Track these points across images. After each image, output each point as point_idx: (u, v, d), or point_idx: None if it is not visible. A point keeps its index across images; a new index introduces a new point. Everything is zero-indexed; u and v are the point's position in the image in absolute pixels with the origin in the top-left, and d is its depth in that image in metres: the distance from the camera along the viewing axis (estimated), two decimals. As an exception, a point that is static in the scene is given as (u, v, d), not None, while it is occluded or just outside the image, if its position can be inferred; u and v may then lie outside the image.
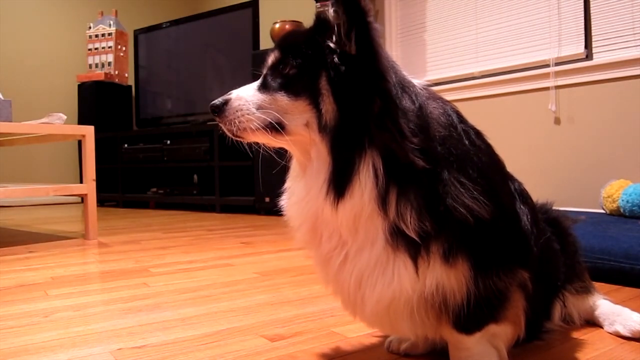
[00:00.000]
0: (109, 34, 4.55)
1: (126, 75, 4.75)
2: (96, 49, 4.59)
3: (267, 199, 3.37)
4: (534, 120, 2.72)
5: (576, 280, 1.01)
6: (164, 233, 2.57)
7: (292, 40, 0.75)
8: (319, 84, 0.69)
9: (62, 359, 0.88)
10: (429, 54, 3.29)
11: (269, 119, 0.72)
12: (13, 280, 1.52)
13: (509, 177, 0.81)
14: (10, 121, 2.35)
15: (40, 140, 2.66)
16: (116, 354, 0.90)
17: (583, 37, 2.54)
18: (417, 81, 0.78)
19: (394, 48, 3.47)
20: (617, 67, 2.38)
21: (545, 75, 2.64)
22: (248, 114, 0.73)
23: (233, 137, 0.76)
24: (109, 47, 4.55)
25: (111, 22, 4.57)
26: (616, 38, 2.41)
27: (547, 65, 2.64)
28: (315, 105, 0.69)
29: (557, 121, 2.64)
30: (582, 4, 2.53)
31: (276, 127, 0.72)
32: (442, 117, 0.72)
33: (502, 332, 0.77)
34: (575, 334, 0.97)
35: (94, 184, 2.39)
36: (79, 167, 3.98)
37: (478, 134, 0.77)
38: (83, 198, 2.42)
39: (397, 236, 0.67)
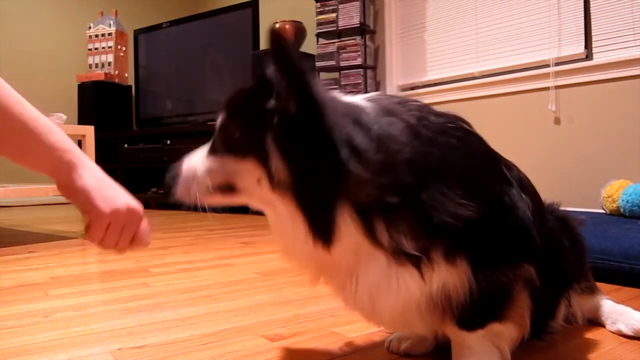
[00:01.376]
0: (109, 34, 4.55)
1: (126, 75, 4.74)
2: (96, 49, 4.59)
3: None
4: (534, 120, 2.72)
5: (582, 280, 1.01)
6: (164, 233, 2.57)
7: (236, 102, 0.75)
8: (265, 144, 0.68)
9: (62, 359, 0.88)
10: (429, 54, 3.29)
11: (219, 182, 0.74)
12: (13, 280, 1.52)
13: (500, 166, 0.78)
14: (10, 121, 2.35)
15: (40, 140, 2.66)
16: (116, 354, 0.90)
17: (583, 37, 2.54)
18: (370, 99, 0.74)
19: (394, 48, 3.47)
20: (617, 67, 2.38)
21: (545, 75, 2.64)
22: (198, 182, 0.74)
23: (193, 205, 0.76)
24: (109, 47, 4.55)
25: (111, 22, 4.56)
26: (616, 38, 2.41)
27: (547, 65, 2.64)
28: (264, 164, 0.69)
29: (557, 121, 2.64)
30: (582, 4, 2.54)
31: (229, 188, 0.74)
32: (403, 134, 0.69)
33: (505, 332, 0.76)
34: (577, 334, 0.97)
35: (94, 184, 2.39)
36: (79, 167, 3.97)
37: (449, 128, 0.73)
38: (83, 198, 2.42)
39: (397, 253, 0.68)
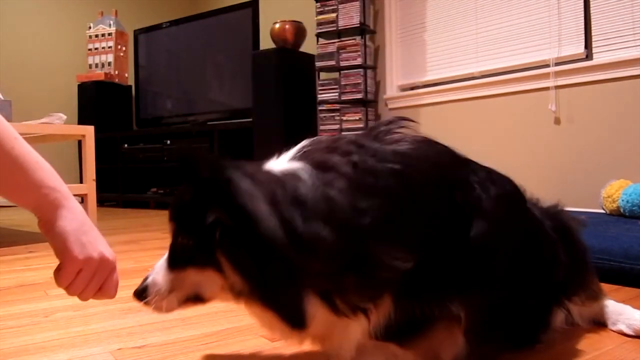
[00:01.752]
0: (109, 34, 4.55)
1: (126, 75, 4.74)
2: (96, 49, 4.59)
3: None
4: (534, 120, 2.72)
5: (582, 290, 0.99)
6: (163, 233, 2.57)
7: (182, 214, 0.74)
8: (216, 257, 0.68)
9: (62, 359, 0.88)
10: (429, 54, 3.29)
11: (184, 296, 0.74)
12: (13, 280, 1.52)
13: (457, 174, 0.78)
14: (10, 121, 2.35)
15: (40, 140, 2.66)
16: (116, 354, 0.90)
17: (583, 37, 2.54)
18: (301, 155, 0.74)
19: (394, 48, 3.47)
20: (617, 67, 2.38)
21: (545, 75, 2.64)
22: (163, 298, 0.75)
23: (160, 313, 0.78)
24: (109, 47, 4.55)
25: (111, 22, 4.56)
26: (616, 38, 2.41)
27: (547, 65, 2.64)
28: (222, 274, 0.69)
29: (557, 121, 2.64)
30: (582, 4, 2.54)
31: (197, 299, 0.74)
32: (342, 195, 0.68)
33: (402, 357, 0.75)
34: (576, 333, 0.97)
35: (94, 184, 2.39)
36: (79, 167, 3.97)
37: (388, 170, 0.72)
38: (83, 198, 2.42)
39: (353, 310, 0.70)
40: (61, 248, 0.71)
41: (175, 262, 0.74)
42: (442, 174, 0.76)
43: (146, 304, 0.76)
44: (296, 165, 0.71)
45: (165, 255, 0.77)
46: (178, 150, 0.66)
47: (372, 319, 0.72)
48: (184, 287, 0.74)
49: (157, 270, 0.77)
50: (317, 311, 0.69)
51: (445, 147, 0.78)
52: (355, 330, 0.72)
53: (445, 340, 0.75)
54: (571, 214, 1.12)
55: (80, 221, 0.74)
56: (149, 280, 0.77)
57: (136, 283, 1.47)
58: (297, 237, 0.64)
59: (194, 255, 0.71)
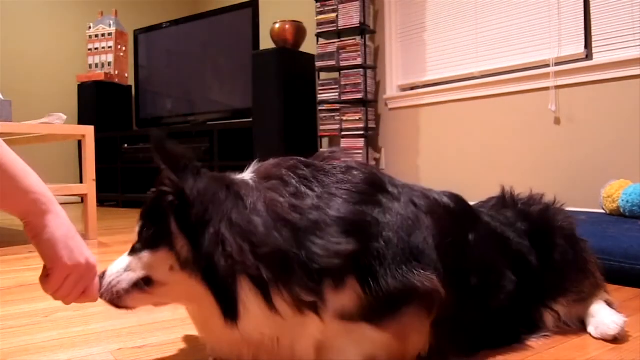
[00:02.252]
0: (109, 34, 4.55)
1: (126, 75, 4.75)
2: (96, 49, 4.59)
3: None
4: (534, 120, 2.72)
5: (569, 293, 0.99)
6: (164, 233, 2.57)
7: (147, 206, 0.81)
8: (170, 229, 0.75)
9: (62, 359, 0.88)
10: (429, 54, 3.29)
11: (137, 276, 0.78)
12: (13, 280, 1.52)
13: (376, 195, 0.82)
14: (10, 121, 2.35)
15: (40, 140, 2.66)
16: (116, 354, 0.90)
17: (583, 37, 2.54)
18: (253, 170, 0.84)
19: (394, 48, 3.47)
20: (617, 67, 2.38)
21: (545, 75, 2.64)
22: (117, 277, 0.79)
23: (116, 308, 0.81)
24: (109, 47, 4.55)
25: (111, 22, 4.56)
26: (616, 38, 2.41)
27: (547, 65, 2.64)
28: (172, 248, 0.75)
29: (557, 121, 2.64)
30: (582, 4, 2.54)
31: (146, 282, 0.78)
32: (276, 200, 0.76)
33: (377, 340, 0.77)
34: (576, 333, 0.97)
35: (94, 184, 2.39)
36: (79, 167, 3.97)
37: (321, 172, 0.81)
38: (83, 198, 2.42)
39: (298, 306, 0.72)
40: (50, 254, 0.72)
41: (135, 250, 0.80)
42: (365, 190, 0.81)
43: (101, 295, 0.80)
44: (247, 175, 0.82)
45: (116, 263, 0.82)
46: (152, 135, 0.72)
47: (337, 304, 0.73)
48: (138, 269, 0.79)
49: (115, 262, 0.82)
50: (252, 305, 0.71)
51: (371, 172, 0.85)
52: (306, 329, 0.74)
53: (415, 326, 0.78)
54: (561, 211, 1.11)
55: (67, 226, 0.76)
56: (107, 270, 0.81)
57: (136, 283, 1.47)
58: (231, 219, 0.72)
59: (152, 237, 0.78)
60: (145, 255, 0.78)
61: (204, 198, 0.74)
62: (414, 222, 0.81)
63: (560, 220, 1.06)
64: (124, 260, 0.80)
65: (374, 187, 0.82)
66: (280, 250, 0.71)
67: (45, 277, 0.73)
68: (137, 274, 0.78)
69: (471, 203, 1.09)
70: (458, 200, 0.95)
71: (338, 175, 0.81)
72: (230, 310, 0.72)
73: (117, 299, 0.79)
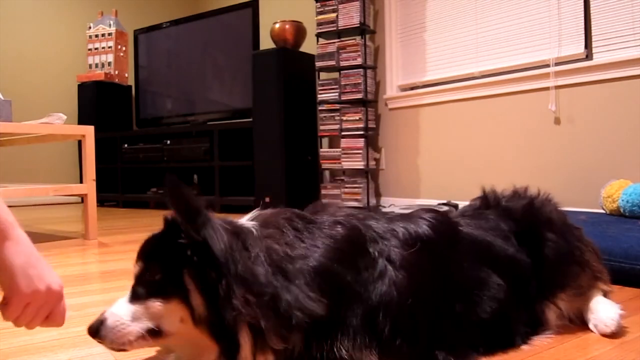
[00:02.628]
0: (109, 34, 4.55)
1: (126, 75, 4.75)
2: (96, 49, 4.59)
3: (267, 199, 3.37)
4: (534, 120, 2.72)
5: (568, 288, 0.99)
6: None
7: (150, 248, 0.81)
8: (184, 282, 0.75)
9: (62, 359, 0.88)
10: (429, 54, 3.29)
11: (146, 327, 0.77)
12: (13, 280, 1.51)
13: (355, 257, 0.85)
14: (10, 121, 2.35)
15: (40, 140, 2.66)
16: (116, 353, 0.90)
17: (583, 37, 2.54)
18: (254, 218, 0.88)
19: (394, 48, 3.47)
20: (617, 67, 2.38)
21: (545, 75, 2.64)
22: (123, 328, 0.77)
23: (117, 351, 0.81)
24: (109, 47, 4.55)
25: (111, 22, 4.57)
26: (616, 38, 2.41)
27: (547, 65, 2.64)
28: (187, 302, 0.75)
29: (557, 121, 2.64)
30: (582, 4, 2.54)
31: (154, 333, 0.77)
32: (274, 249, 0.80)
33: None
34: (576, 333, 0.97)
35: (94, 184, 2.39)
36: (79, 167, 3.98)
37: (315, 226, 0.87)
38: (83, 198, 2.42)
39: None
40: (8, 282, 0.70)
41: (138, 296, 0.78)
42: (344, 248, 0.85)
43: (101, 339, 0.77)
44: (249, 223, 0.84)
45: (123, 299, 0.80)
46: (168, 179, 0.74)
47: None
48: (144, 318, 0.77)
49: (116, 306, 0.79)
50: (248, 350, 0.75)
51: (354, 228, 0.89)
52: None
53: None
54: (548, 202, 1.11)
55: (27, 254, 0.73)
56: (107, 313, 0.79)
57: (136, 283, 1.47)
58: (239, 272, 0.75)
59: (161, 285, 0.77)
60: (155, 305, 0.77)
61: (225, 255, 0.75)
62: (384, 295, 0.82)
63: (547, 212, 1.05)
64: (127, 307, 0.78)
65: (354, 246, 0.86)
66: (276, 297, 0.75)
67: (4, 305, 0.71)
68: (146, 324, 0.77)
69: (467, 203, 1.08)
70: (437, 223, 0.95)
71: (324, 230, 0.86)
72: (231, 355, 0.74)
73: (120, 347, 0.78)
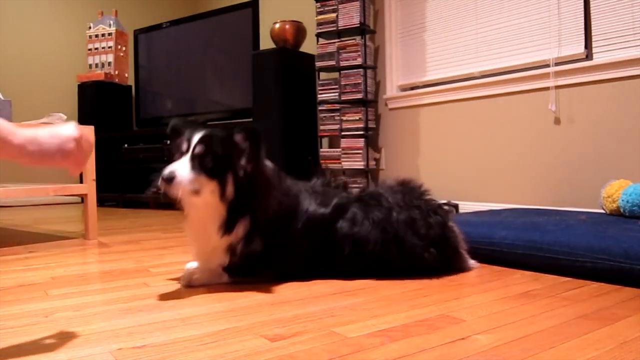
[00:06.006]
0: (109, 34, 4.55)
1: (126, 75, 4.75)
2: (96, 49, 4.59)
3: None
4: (534, 120, 2.72)
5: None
6: (164, 233, 2.57)
7: (211, 144, 1.32)
8: (226, 177, 1.33)
9: (62, 359, 0.88)
10: (429, 54, 3.29)
11: (195, 189, 1.31)
12: (13, 280, 1.52)
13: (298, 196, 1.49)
14: (10, 121, 2.35)
15: (40, 140, 2.65)
16: (116, 354, 0.90)
17: (583, 37, 2.54)
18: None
19: (394, 48, 3.47)
20: (617, 67, 2.38)
21: (545, 75, 2.64)
22: (185, 187, 1.29)
23: (170, 195, 1.30)
24: (109, 47, 4.55)
25: (111, 22, 4.56)
26: (616, 38, 2.41)
27: (547, 65, 2.64)
28: (221, 185, 1.33)
29: (557, 121, 2.64)
30: (582, 4, 2.54)
31: (197, 192, 1.32)
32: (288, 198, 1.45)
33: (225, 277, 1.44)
34: (575, 332, 0.97)
35: (94, 184, 2.39)
36: (79, 167, 3.97)
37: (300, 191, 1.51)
38: (83, 198, 2.42)
39: (229, 247, 1.39)
40: (54, 148, 0.91)
41: (195, 169, 1.30)
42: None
43: (171, 186, 1.26)
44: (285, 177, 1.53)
45: (185, 160, 1.31)
46: (251, 128, 1.31)
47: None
48: (196, 184, 1.30)
49: (182, 168, 1.29)
50: (240, 233, 1.36)
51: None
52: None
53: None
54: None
55: (29, 132, 0.90)
56: (177, 173, 1.27)
57: (136, 283, 1.48)
58: (267, 182, 1.39)
59: (212, 171, 1.31)
60: (203, 179, 1.30)
61: (256, 180, 1.35)
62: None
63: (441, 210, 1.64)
64: (189, 173, 1.29)
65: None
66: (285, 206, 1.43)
67: (71, 159, 0.93)
68: (195, 188, 1.30)
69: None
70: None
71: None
72: (229, 229, 1.35)
73: (177, 195, 1.29)
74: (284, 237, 1.42)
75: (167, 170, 1.27)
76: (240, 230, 1.35)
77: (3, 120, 0.88)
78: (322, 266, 1.46)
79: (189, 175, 1.28)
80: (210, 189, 1.31)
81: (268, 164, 1.40)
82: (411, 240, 1.45)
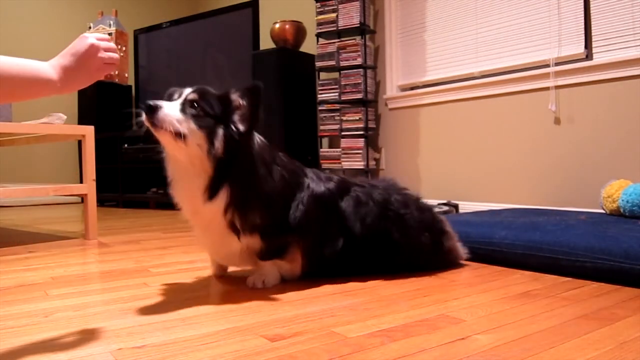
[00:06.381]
0: (109, 34, 4.54)
1: (126, 75, 4.74)
2: (96, 49, 4.58)
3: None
4: (534, 120, 2.72)
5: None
6: (164, 233, 2.57)
7: (210, 95, 1.26)
8: (216, 131, 1.23)
9: (62, 359, 0.88)
10: (429, 54, 3.29)
11: (181, 130, 1.20)
12: (13, 280, 1.52)
13: (300, 173, 1.43)
14: (10, 121, 2.35)
15: (40, 140, 2.66)
16: (116, 354, 0.90)
17: (583, 37, 2.54)
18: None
19: (394, 48, 3.47)
20: (617, 67, 2.38)
21: (545, 75, 2.64)
22: (170, 119, 1.19)
23: (152, 127, 1.20)
24: (109, 47, 4.54)
25: (111, 22, 4.55)
26: (616, 38, 2.41)
27: (547, 65, 2.64)
28: (210, 139, 1.22)
29: (557, 121, 2.64)
30: (582, 4, 2.54)
31: (181, 136, 1.20)
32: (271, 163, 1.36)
33: (283, 264, 1.40)
34: (575, 332, 0.97)
35: (94, 184, 2.39)
36: (79, 167, 3.98)
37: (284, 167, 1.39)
38: (83, 198, 2.42)
39: (231, 225, 1.30)
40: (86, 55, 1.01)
41: (186, 113, 1.21)
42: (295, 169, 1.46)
43: (153, 116, 1.17)
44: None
45: (174, 103, 1.23)
46: (255, 85, 1.24)
47: (242, 240, 1.33)
48: (183, 126, 1.20)
49: (170, 106, 1.21)
50: (221, 199, 1.26)
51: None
52: (230, 243, 1.34)
53: (296, 258, 1.40)
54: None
55: (62, 57, 1.00)
56: (164, 106, 1.19)
57: (136, 283, 1.48)
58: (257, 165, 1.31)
59: (202, 120, 1.22)
60: (192, 124, 1.21)
61: (247, 140, 1.29)
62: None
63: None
64: (179, 114, 1.20)
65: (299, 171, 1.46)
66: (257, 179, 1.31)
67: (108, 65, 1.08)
68: (182, 129, 1.19)
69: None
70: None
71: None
72: (212, 193, 1.24)
73: (160, 127, 1.18)
74: (289, 211, 1.35)
75: (154, 101, 1.18)
76: (225, 196, 1.25)
77: (38, 62, 0.93)
78: (335, 248, 1.41)
79: (177, 115, 1.19)
80: (197, 139, 1.21)
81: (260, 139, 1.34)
82: (409, 222, 1.50)
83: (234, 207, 1.26)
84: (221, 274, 1.54)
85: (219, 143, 1.22)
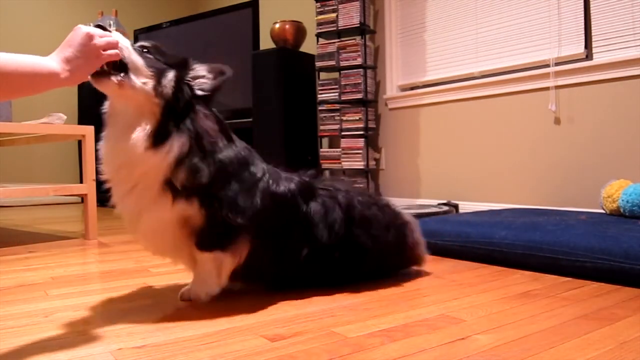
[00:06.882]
0: (109, 34, 4.54)
1: (126, 75, 4.74)
2: (96, 49, 4.58)
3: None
4: (534, 120, 2.72)
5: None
6: (164, 233, 2.56)
7: (162, 49, 1.22)
8: (167, 73, 1.14)
9: (62, 359, 0.88)
10: (429, 54, 3.29)
11: (126, 62, 1.08)
12: (13, 280, 1.52)
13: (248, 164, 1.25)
14: (10, 121, 2.35)
15: (40, 140, 2.66)
16: (116, 354, 0.90)
17: (583, 37, 2.54)
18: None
19: (394, 48, 3.47)
20: (617, 67, 2.38)
21: (545, 75, 2.64)
22: (115, 48, 1.04)
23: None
24: (109, 47, 4.54)
25: (111, 22, 4.56)
26: (616, 38, 2.41)
27: (547, 65, 2.64)
28: (158, 77, 1.11)
29: (557, 121, 2.64)
30: (582, 4, 2.54)
31: (125, 66, 1.08)
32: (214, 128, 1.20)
33: (227, 261, 1.18)
34: (574, 332, 0.97)
35: (94, 184, 2.39)
36: (79, 167, 3.97)
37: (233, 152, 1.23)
38: (83, 198, 2.42)
39: (167, 185, 1.10)
40: (77, 53, 0.99)
41: (142, 55, 1.13)
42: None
43: (105, 32, 1.04)
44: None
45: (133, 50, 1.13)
46: (222, 68, 1.23)
47: (175, 204, 1.12)
48: (133, 56, 1.10)
49: (126, 41, 1.12)
50: (172, 148, 1.10)
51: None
52: (162, 207, 1.13)
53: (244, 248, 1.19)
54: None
55: (58, 52, 1.01)
56: (117, 34, 1.08)
57: (136, 283, 1.48)
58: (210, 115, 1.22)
59: (156, 67, 1.13)
60: (145, 69, 1.11)
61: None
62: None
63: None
64: (132, 49, 1.11)
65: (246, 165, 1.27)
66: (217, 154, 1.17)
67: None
68: (130, 56, 1.10)
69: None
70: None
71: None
72: (158, 140, 1.07)
73: (100, 53, 1.02)
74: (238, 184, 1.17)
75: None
76: (175, 146, 1.08)
77: (39, 57, 0.96)
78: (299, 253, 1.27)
79: (127, 45, 1.09)
80: (145, 75, 1.10)
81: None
82: (373, 222, 1.38)
83: (177, 158, 1.08)
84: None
85: (167, 82, 1.11)
